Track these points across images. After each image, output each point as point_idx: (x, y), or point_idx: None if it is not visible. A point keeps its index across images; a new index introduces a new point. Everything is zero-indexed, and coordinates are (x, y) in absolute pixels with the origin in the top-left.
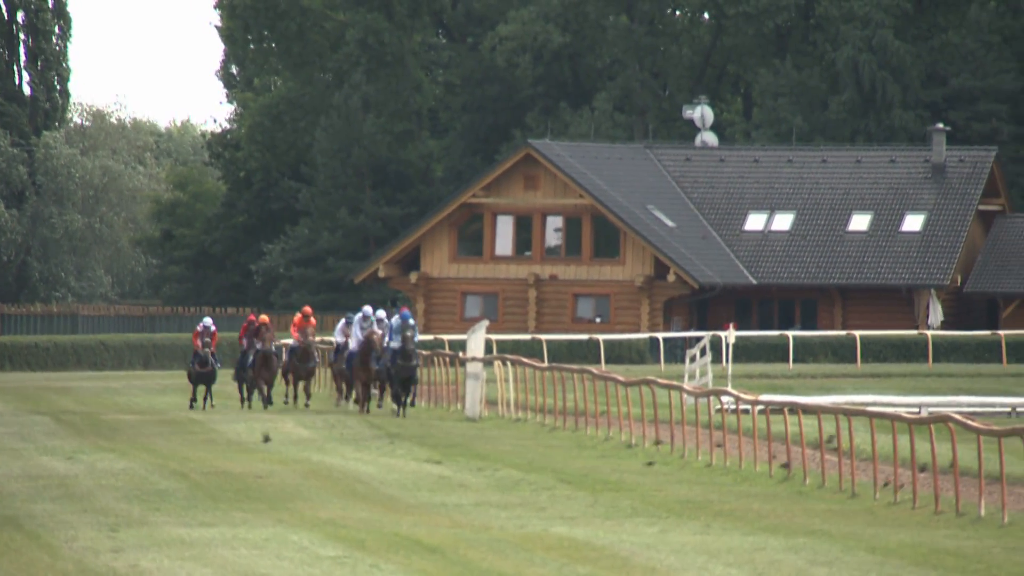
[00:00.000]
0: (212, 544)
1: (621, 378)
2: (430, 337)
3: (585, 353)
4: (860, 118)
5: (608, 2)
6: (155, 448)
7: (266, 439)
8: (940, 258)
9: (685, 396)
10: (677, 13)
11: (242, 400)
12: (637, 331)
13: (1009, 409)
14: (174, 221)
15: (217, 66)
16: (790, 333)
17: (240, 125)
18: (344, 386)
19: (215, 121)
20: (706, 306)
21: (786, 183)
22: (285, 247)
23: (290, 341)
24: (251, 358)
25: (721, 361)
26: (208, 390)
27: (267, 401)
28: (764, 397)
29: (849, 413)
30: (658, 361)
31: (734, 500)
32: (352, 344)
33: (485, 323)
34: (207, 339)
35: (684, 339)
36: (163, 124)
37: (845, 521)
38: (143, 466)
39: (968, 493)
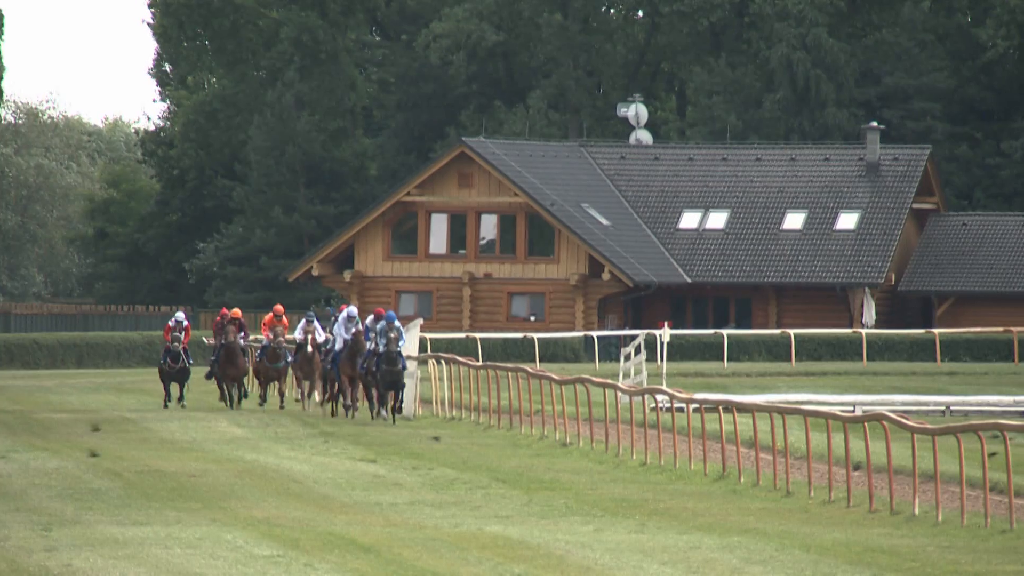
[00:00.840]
0: (146, 543)
1: (556, 376)
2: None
3: (520, 351)
4: (794, 116)
5: (542, 0)
6: (88, 447)
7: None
8: (874, 257)
9: (620, 395)
10: (611, 11)
11: (223, 397)
12: (572, 329)
13: (943, 408)
14: (107, 219)
15: (150, 64)
16: (725, 331)
17: (174, 123)
18: (307, 385)
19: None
20: (641, 304)
21: (720, 181)
22: (219, 245)
23: (262, 340)
24: (215, 353)
25: (656, 359)
26: (181, 388)
27: (232, 400)
28: (699, 396)
29: (784, 412)
30: (593, 359)
31: (669, 499)
32: (338, 344)
33: (419, 321)
34: (179, 334)
35: (619, 337)
36: (96, 122)
37: (779, 519)
38: (76, 465)
39: (902, 491)
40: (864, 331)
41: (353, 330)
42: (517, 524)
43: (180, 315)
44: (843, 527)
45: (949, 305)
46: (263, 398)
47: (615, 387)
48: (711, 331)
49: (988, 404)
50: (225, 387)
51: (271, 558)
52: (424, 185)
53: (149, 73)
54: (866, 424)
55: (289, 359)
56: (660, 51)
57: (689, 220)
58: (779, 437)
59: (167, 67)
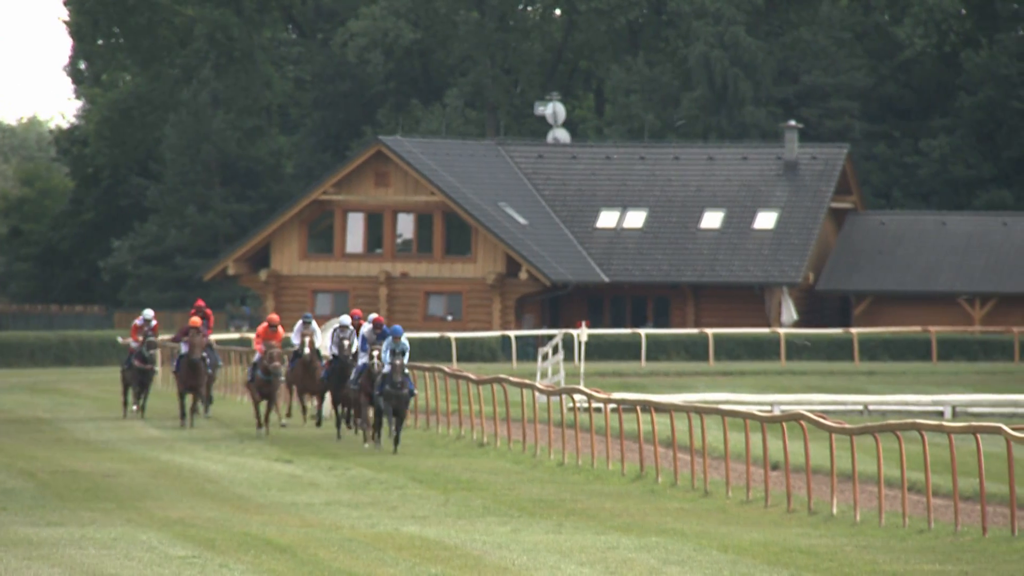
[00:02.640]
0: (60, 544)
1: (473, 376)
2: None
3: (437, 351)
4: (712, 115)
5: None
6: (1, 447)
7: None
8: (792, 256)
9: (537, 394)
10: (528, 9)
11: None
12: (489, 329)
13: (861, 407)
14: (21, 217)
15: (65, 61)
16: (643, 331)
17: (88, 121)
18: (308, 397)
19: (63, 117)
20: (558, 304)
21: (638, 180)
22: (133, 244)
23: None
24: (175, 363)
25: (573, 359)
26: (144, 393)
27: (195, 411)
28: (616, 395)
29: (702, 411)
30: (510, 359)
31: (586, 499)
32: (362, 360)
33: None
34: (152, 339)
35: (536, 337)
36: (11, 120)
37: (697, 519)
38: None
39: (820, 491)
40: (782, 331)
41: (346, 342)
42: (434, 524)
43: (148, 313)
44: (761, 527)
45: (867, 304)
46: (264, 420)
47: (533, 387)
48: (629, 331)
49: (906, 404)
50: (185, 401)
51: (186, 559)
52: (340, 184)
53: (64, 71)
54: (784, 424)
55: (281, 374)
56: (578, 49)
57: (607, 219)
58: (697, 437)
59: (82, 65)
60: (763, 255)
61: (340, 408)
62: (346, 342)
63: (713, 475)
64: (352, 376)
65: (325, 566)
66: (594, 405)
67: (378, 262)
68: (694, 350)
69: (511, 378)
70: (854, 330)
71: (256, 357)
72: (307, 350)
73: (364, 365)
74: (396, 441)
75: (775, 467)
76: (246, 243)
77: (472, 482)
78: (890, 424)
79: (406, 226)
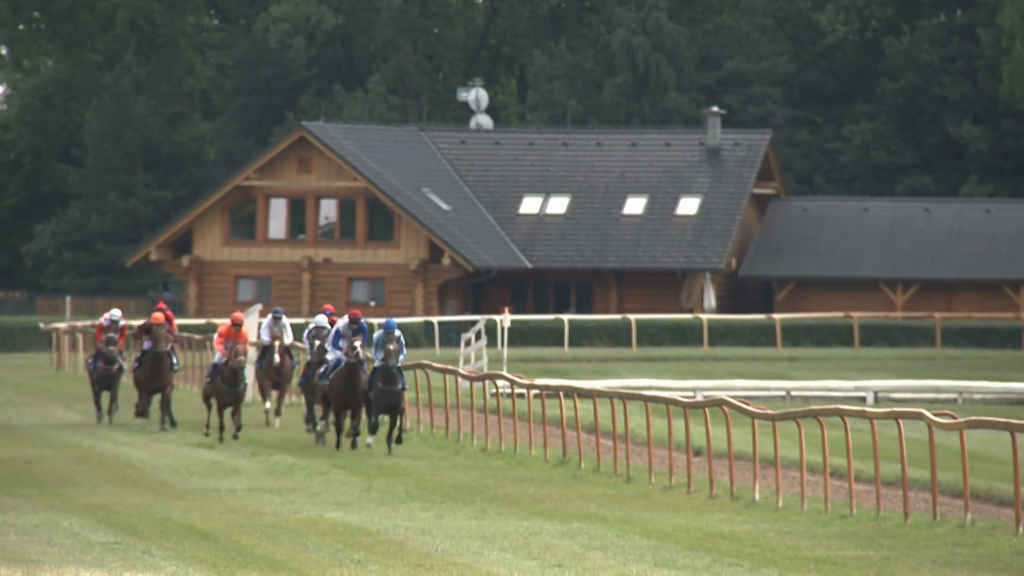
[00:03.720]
0: None
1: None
2: (202, 321)
3: None
4: (635, 101)
5: None
6: None
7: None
8: (715, 242)
9: (460, 380)
10: None
11: (141, 412)
12: (412, 315)
13: (784, 393)
14: None
15: None
16: (565, 317)
17: (10, 107)
18: (276, 396)
19: None
20: (481, 289)
21: (561, 166)
22: (55, 230)
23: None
24: (137, 359)
25: (496, 345)
26: (113, 396)
27: (141, 412)
28: (539, 381)
29: (624, 397)
30: (433, 345)
31: (509, 485)
32: (331, 355)
33: (258, 307)
34: (113, 335)
35: (459, 323)
36: None
37: (620, 505)
38: None
39: (743, 477)
40: (704, 316)
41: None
42: (357, 510)
43: (116, 313)
44: (684, 513)
45: (789, 290)
46: (221, 428)
47: (455, 372)
48: (552, 316)
49: (828, 389)
50: (144, 400)
51: (108, 545)
52: (263, 170)
53: None
54: (707, 410)
55: (246, 380)
56: (500, 35)
57: (530, 205)
58: (620, 423)
59: (3, 50)
60: (685, 241)
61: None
62: (318, 342)
63: (636, 461)
64: (322, 371)
65: (248, 552)
66: (517, 391)
67: (301, 248)
68: (617, 336)
69: (434, 364)
70: (776, 316)
71: (217, 358)
72: (277, 357)
73: (338, 360)
74: (398, 440)
75: (698, 453)
76: (168, 229)
77: (395, 468)
78: (812, 410)
79: (329, 212)
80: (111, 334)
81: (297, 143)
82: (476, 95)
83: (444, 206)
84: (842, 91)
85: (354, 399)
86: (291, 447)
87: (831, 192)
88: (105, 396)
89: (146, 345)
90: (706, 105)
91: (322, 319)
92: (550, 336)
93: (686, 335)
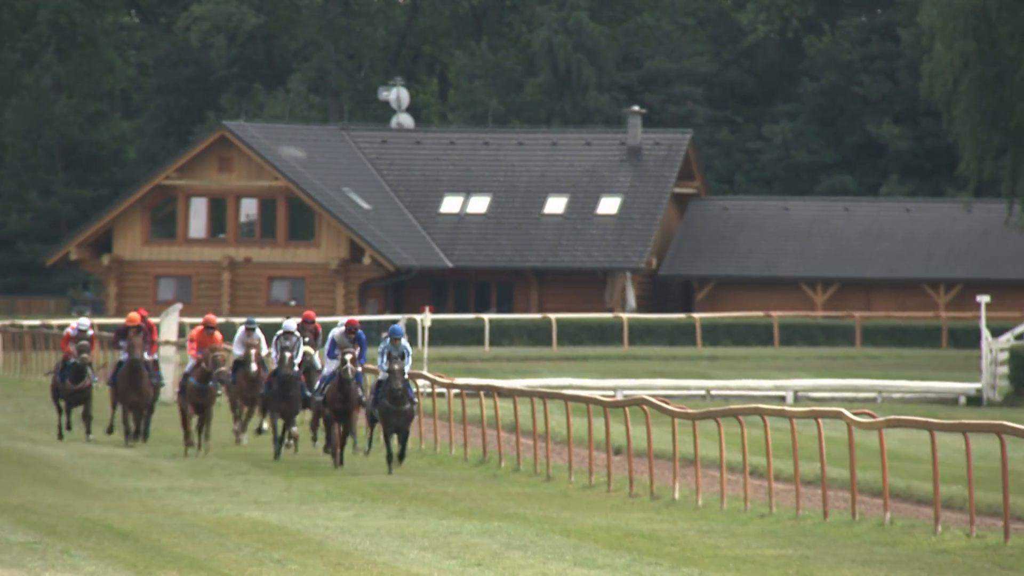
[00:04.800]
0: None
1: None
2: (122, 321)
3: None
4: (556, 100)
5: None
6: None
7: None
8: (635, 241)
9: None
10: None
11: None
12: (332, 314)
13: (703, 392)
14: None
15: None
16: (486, 316)
17: None
18: (247, 413)
19: None
20: (402, 289)
21: (482, 166)
22: None
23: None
24: (113, 370)
25: (417, 344)
26: (85, 412)
27: (139, 434)
28: (460, 380)
29: (545, 396)
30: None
31: (429, 484)
32: (327, 368)
33: (178, 306)
34: (85, 343)
35: (380, 322)
36: None
37: (540, 504)
38: None
39: (663, 476)
40: (625, 316)
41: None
42: (276, 510)
43: (84, 322)
44: (603, 512)
45: (710, 289)
46: (197, 441)
47: (376, 372)
48: (472, 316)
49: (748, 388)
50: (122, 416)
51: (27, 544)
52: (184, 169)
53: None
54: (627, 409)
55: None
56: (421, 34)
57: (451, 204)
58: (540, 422)
59: None
60: (606, 240)
61: (282, 423)
62: (288, 353)
63: (556, 460)
64: (317, 385)
65: (167, 552)
66: (437, 390)
67: (221, 247)
68: (537, 335)
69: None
70: (696, 315)
71: (189, 365)
72: (254, 365)
73: (333, 373)
74: (400, 457)
75: (618, 452)
76: (88, 228)
77: (314, 467)
78: (732, 409)
79: (249, 211)
80: (83, 342)
81: (218, 142)
82: (397, 94)
83: (365, 205)
84: (762, 91)
85: (347, 416)
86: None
87: (751, 191)
88: (75, 413)
89: (122, 356)
90: (627, 104)
91: (290, 324)
92: (471, 335)
93: (606, 334)
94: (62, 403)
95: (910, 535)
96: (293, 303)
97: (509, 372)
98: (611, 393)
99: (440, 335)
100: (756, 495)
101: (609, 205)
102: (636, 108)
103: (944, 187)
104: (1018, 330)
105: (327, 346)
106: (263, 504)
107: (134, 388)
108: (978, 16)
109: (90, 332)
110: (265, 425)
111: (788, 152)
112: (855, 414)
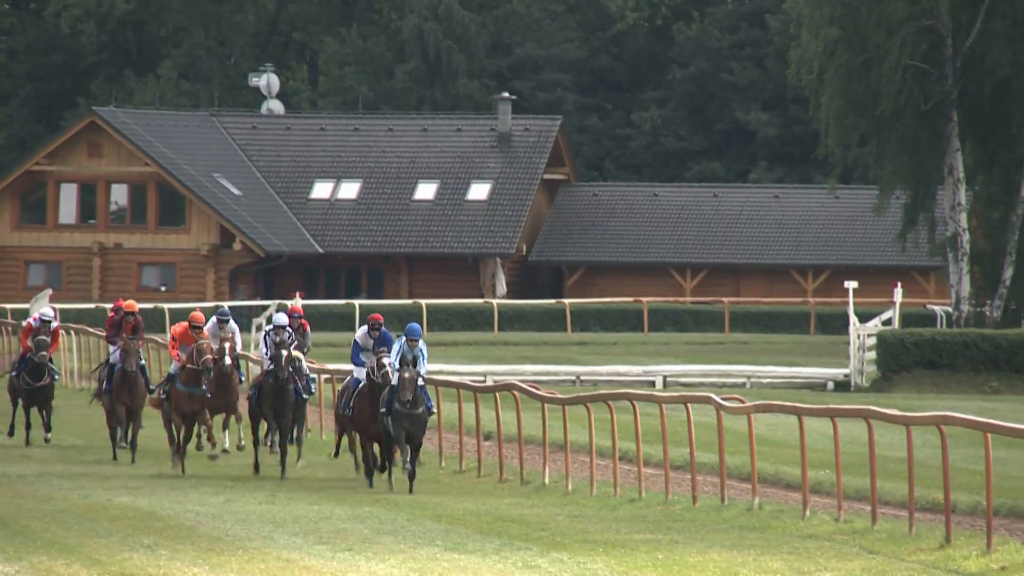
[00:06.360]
0: None
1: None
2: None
3: (151, 322)
4: (426, 87)
5: None
6: None
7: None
8: (505, 227)
9: (251, 365)
10: None
11: (113, 434)
12: (203, 300)
13: (573, 377)
14: None
15: None
16: (356, 302)
17: None
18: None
19: None
20: (272, 275)
21: (352, 152)
22: None
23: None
24: (102, 375)
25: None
26: (45, 414)
27: (127, 441)
28: (330, 366)
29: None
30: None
31: (300, 469)
32: (359, 373)
33: (48, 292)
34: (44, 338)
35: (251, 308)
36: None
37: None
38: None
39: (533, 461)
40: (495, 301)
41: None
42: (147, 495)
43: (47, 312)
44: (474, 497)
45: (580, 275)
46: (206, 443)
47: (247, 358)
48: (343, 301)
49: (618, 374)
50: (116, 420)
51: None
52: (54, 155)
53: None
54: (497, 394)
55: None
56: (291, 20)
57: (321, 190)
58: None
59: None
60: (476, 226)
61: (270, 436)
62: (284, 351)
63: (426, 445)
64: (343, 399)
65: (37, 537)
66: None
67: (91, 233)
68: (407, 321)
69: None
70: (566, 301)
71: (173, 367)
72: (228, 359)
73: (356, 381)
74: (411, 476)
75: (488, 437)
76: None
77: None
78: (602, 394)
79: (120, 197)
80: (41, 338)
81: (88, 128)
82: (267, 80)
83: (235, 191)
84: (632, 77)
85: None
86: (81, 431)
87: (621, 178)
88: (33, 413)
89: (113, 358)
90: (497, 91)
91: (282, 318)
92: (341, 321)
93: (476, 320)
94: (20, 402)
95: (778, 520)
96: (163, 289)
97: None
98: (481, 378)
99: (310, 321)
100: (626, 480)
101: (479, 191)
102: (506, 95)
103: (812, 174)
104: (885, 316)
105: (352, 351)
106: (133, 489)
107: (128, 391)
108: (844, 4)
109: (54, 324)
110: (242, 441)
111: (657, 139)
112: (724, 399)
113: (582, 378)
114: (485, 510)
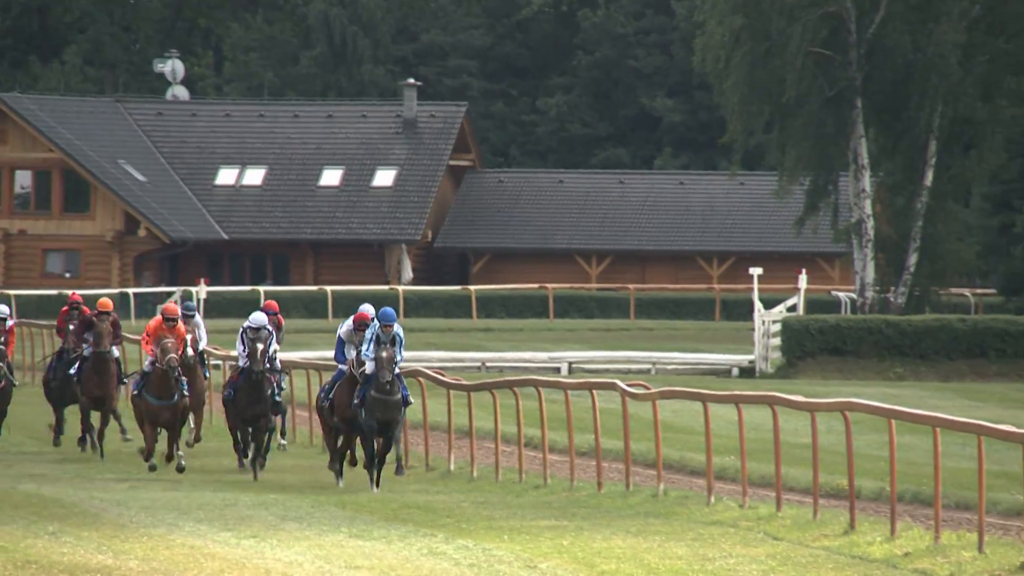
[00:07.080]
0: None
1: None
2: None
3: (54, 309)
4: (331, 73)
5: None
6: None
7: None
8: (411, 213)
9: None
10: None
11: (57, 432)
12: (108, 286)
13: (479, 364)
14: None
15: None
16: (262, 288)
17: None
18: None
19: None
20: (177, 261)
21: (257, 138)
22: None
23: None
24: (77, 364)
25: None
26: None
27: (95, 439)
28: (234, 352)
29: (321, 369)
30: (129, 316)
31: (204, 456)
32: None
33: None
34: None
35: (155, 294)
36: None
37: (315, 477)
38: None
39: (438, 447)
40: (401, 288)
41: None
42: (51, 482)
43: (3, 309)
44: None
45: (485, 262)
46: (172, 449)
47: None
48: (248, 288)
49: (523, 360)
50: (88, 418)
51: None
52: None
53: None
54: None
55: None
56: (196, 6)
57: (226, 176)
58: (315, 394)
59: None
60: (382, 212)
61: (242, 435)
62: (259, 345)
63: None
64: (323, 392)
65: None
66: (213, 362)
67: None
68: (313, 307)
69: (129, 336)
70: (472, 287)
71: (147, 364)
72: (191, 350)
73: (340, 372)
74: (378, 465)
75: None
76: None
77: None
78: (507, 380)
79: (24, 183)
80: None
81: None
82: (172, 66)
83: (140, 177)
84: (537, 64)
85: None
86: None
87: (527, 164)
88: None
89: (87, 347)
90: (402, 77)
91: (260, 317)
92: (246, 308)
93: (382, 306)
94: None
95: (683, 506)
96: (68, 275)
97: (285, 344)
98: None
99: (216, 307)
100: (531, 466)
101: (385, 177)
102: (411, 81)
103: (718, 160)
104: (790, 302)
105: (336, 347)
106: (38, 476)
107: (100, 384)
108: None
109: (9, 322)
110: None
111: (563, 125)
112: (629, 385)
113: (487, 364)
114: (390, 497)
